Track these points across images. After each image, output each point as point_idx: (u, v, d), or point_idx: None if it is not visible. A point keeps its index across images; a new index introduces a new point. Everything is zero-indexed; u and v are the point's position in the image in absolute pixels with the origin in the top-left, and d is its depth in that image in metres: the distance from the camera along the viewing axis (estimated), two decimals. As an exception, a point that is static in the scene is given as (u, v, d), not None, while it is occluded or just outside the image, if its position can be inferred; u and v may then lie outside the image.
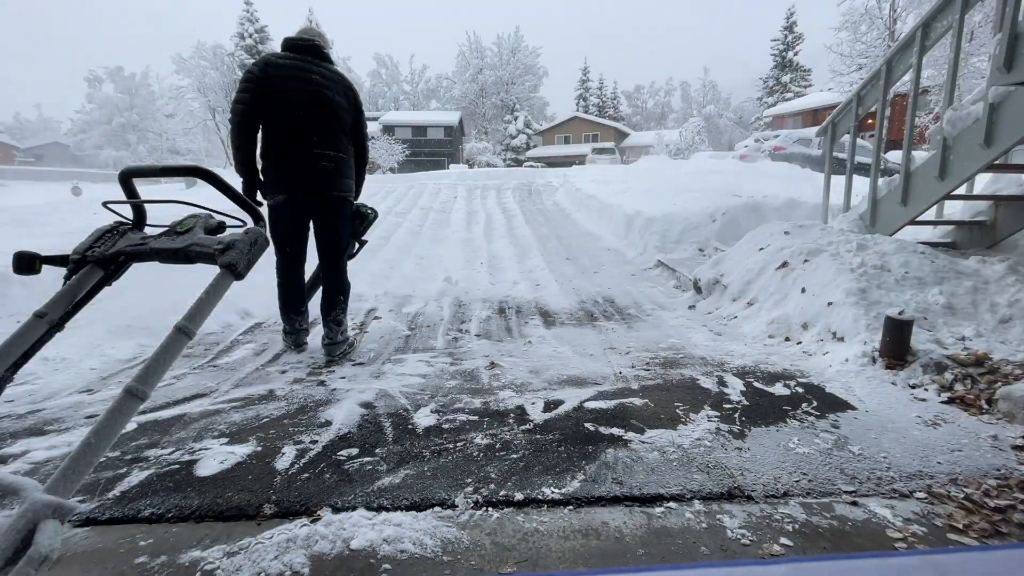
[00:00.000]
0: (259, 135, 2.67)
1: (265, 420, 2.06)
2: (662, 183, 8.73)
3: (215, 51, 39.57)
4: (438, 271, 5.25)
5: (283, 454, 1.79)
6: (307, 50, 2.72)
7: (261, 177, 2.71)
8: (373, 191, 11.91)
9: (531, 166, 31.31)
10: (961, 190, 3.75)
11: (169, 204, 1.14)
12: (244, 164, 2.64)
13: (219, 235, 1.05)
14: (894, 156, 12.70)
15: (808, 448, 1.80)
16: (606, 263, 5.55)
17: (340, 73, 2.81)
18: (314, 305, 3.04)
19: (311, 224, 2.84)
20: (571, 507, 1.50)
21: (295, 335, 2.97)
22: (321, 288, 2.94)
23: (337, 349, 2.85)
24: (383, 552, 1.31)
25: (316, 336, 3.00)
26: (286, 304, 2.91)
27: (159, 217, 1.07)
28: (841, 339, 2.68)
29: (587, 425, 1.98)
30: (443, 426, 1.99)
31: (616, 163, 25.12)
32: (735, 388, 2.32)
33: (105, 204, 1.13)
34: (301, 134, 2.63)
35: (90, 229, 1.09)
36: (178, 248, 1.00)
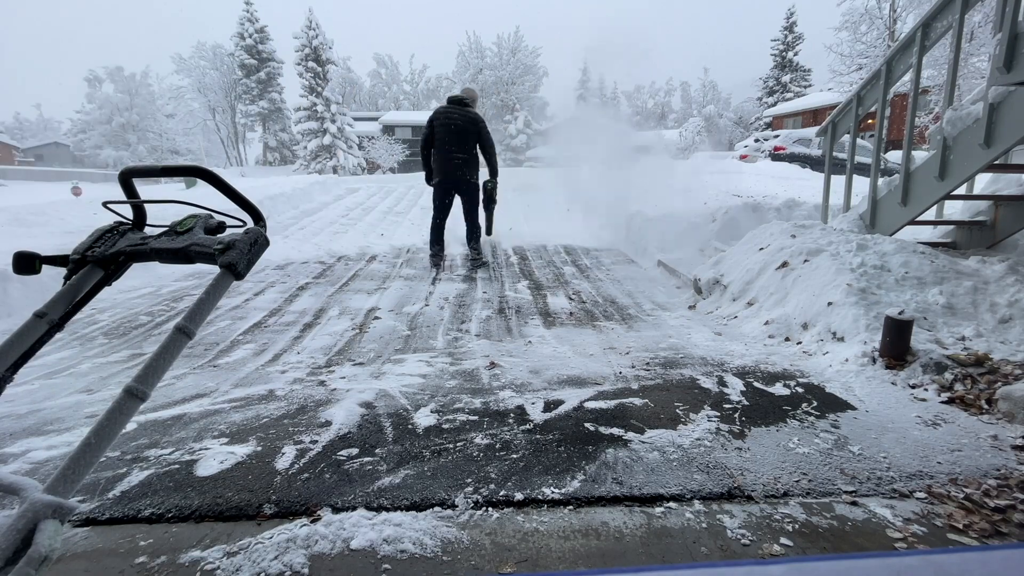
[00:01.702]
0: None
1: (265, 420, 2.06)
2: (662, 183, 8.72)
3: (215, 51, 39.62)
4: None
5: (283, 454, 1.79)
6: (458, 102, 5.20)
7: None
8: (373, 191, 11.90)
9: (531, 166, 31.29)
10: (961, 190, 3.76)
11: (169, 204, 1.13)
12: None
13: (219, 235, 1.05)
14: (894, 156, 12.70)
15: (808, 448, 1.80)
16: (605, 263, 5.55)
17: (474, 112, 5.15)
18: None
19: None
20: (571, 507, 1.50)
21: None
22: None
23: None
24: (383, 552, 1.32)
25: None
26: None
27: (159, 217, 1.07)
28: (841, 339, 2.68)
29: (587, 425, 1.98)
30: (443, 426, 1.99)
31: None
32: (735, 388, 2.32)
33: (105, 204, 1.13)
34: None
35: (90, 229, 1.09)
36: (178, 248, 1.00)
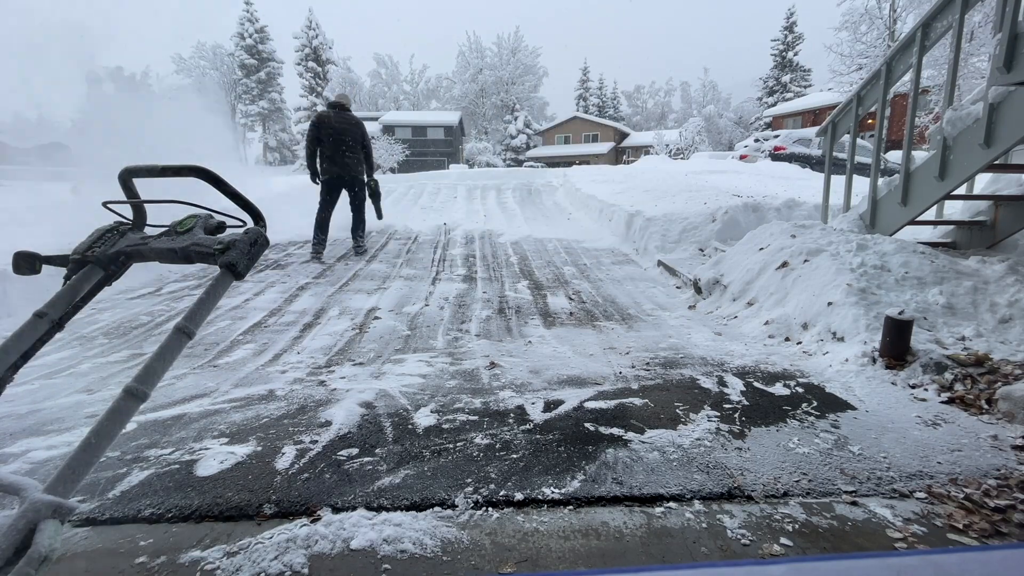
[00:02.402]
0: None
1: (265, 420, 2.06)
2: (662, 183, 8.73)
3: (215, 51, 39.64)
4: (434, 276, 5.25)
5: (283, 454, 1.79)
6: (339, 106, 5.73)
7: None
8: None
9: (531, 166, 31.33)
10: (961, 190, 3.75)
11: (169, 204, 1.13)
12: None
13: (219, 235, 1.05)
14: (894, 156, 12.70)
15: (808, 448, 1.80)
16: (605, 263, 5.55)
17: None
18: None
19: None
20: (571, 507, 1.50)
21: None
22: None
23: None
24: (383, 552, 1.32)
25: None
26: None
27: (159, 217, 1.07)
28: (841, 339, 2.68)
29: (587, 425, 1.98)
30: (443, 426, 1.99)
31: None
32: (735, 388, 2.32)
33: (105, 204, 1.13)
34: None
35: (90, 229, 1.09)
36: (178, 248, 1.00)
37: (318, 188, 5.69)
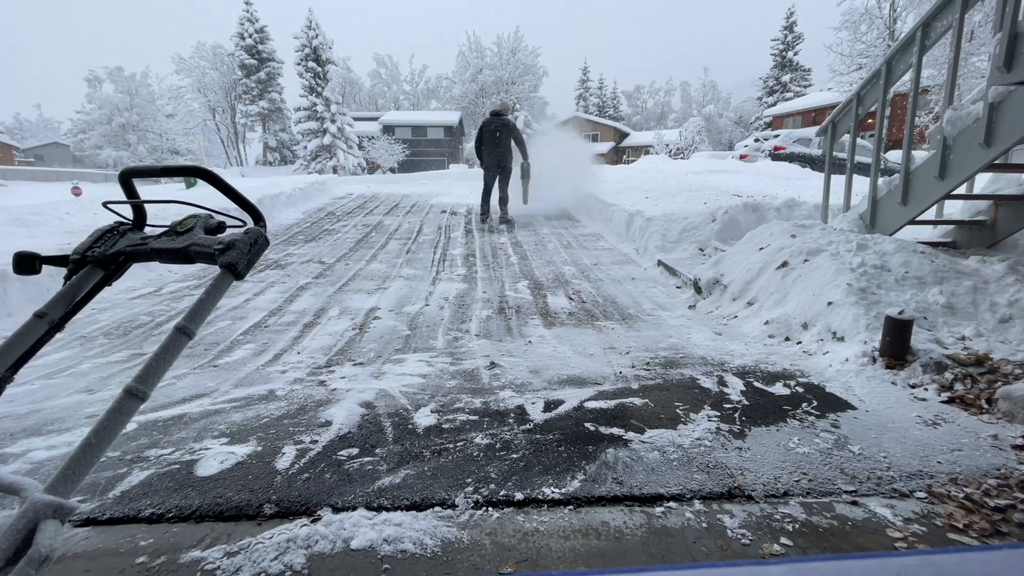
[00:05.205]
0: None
1: (265, 420, 2.06)
2: (662, 183, 8.73)
3: (215, 51, 39.64)
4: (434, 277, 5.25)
5: (283, 454, 1.79)
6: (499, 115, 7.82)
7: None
8: (370, 194, 11.90)
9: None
10: (961, 190, 3.75)
11: (169, 204, 1.13)
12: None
13: (219, 235, 1.05)
14: (894, 156, 12.69)
15: (808, 448, 1.80)
16: (604, 262, 5.55)
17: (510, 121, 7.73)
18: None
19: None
20: (571, 507, 1.50)
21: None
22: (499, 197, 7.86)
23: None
24: (383, 552, 1.32)
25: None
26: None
27: (159, 217, 1.07)
28: (841, 339, 2.68)
29: (587, 425, 1.98)
30: (443, 426, 1.99)
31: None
32: (735, 388, 2.32)
33: (105, 204, 1.13)
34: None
35: (90, 229, 1.09)
36: (178, 248, 1.00)
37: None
